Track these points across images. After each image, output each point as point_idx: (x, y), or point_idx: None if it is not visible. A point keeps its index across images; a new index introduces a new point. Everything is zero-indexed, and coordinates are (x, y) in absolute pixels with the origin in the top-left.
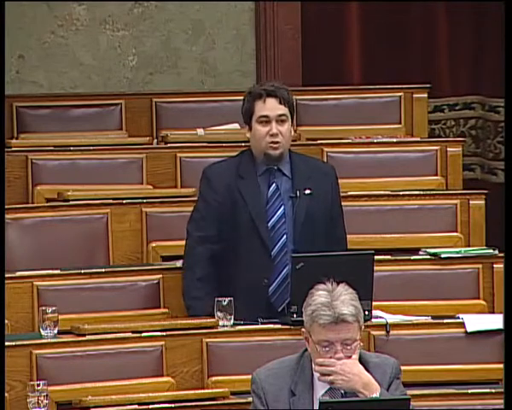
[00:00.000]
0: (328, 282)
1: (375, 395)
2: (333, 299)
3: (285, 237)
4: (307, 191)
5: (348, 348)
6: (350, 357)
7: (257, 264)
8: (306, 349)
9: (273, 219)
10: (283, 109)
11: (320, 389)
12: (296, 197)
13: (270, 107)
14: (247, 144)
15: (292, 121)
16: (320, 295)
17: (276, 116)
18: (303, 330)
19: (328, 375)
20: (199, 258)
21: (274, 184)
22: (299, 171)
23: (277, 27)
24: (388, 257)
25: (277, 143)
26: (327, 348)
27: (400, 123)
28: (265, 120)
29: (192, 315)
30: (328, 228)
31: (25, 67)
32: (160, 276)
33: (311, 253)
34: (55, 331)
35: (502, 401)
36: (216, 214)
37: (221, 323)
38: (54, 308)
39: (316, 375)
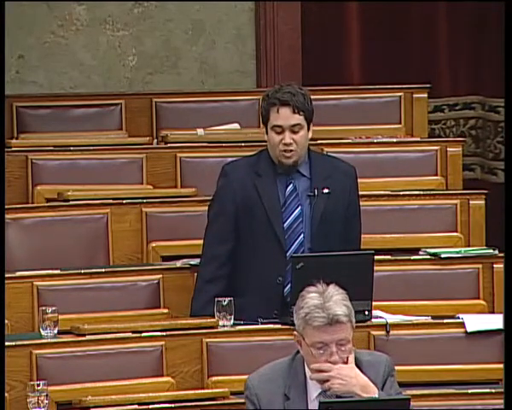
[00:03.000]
0: (319, 283)
1: (374, 396)
2: (325, 300)
3: (302, 236)
4: (325, 190)
5: (343, 348)
6: (346, 360)
7: (271, 263)
8: (298, 351)
9: (289, 220)
10: (297, 119)
11: (313, 392)
12: (314, 196)
13: (284, 116)
14: (248, 144)
15: (309, 125)
16: (312, 297)
17: (290, 126)
18: (295, 333)
19: (326, 380)
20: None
21: (291, 185)
22: (317, 170)
23: (277, 27)
24: (388, 257)
25: (290, 151)
26: (321, 351)
27: (400, 123)
28: (279, 130)
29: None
30: (343, 228)
31: (25, 67)
32: (160, 276)
33: (327, 252)
34: (55, 331)
35: (502, 401)
36: (231, 218)
37: (221, 323)
38: (54, 308)
39: (309, 377)
